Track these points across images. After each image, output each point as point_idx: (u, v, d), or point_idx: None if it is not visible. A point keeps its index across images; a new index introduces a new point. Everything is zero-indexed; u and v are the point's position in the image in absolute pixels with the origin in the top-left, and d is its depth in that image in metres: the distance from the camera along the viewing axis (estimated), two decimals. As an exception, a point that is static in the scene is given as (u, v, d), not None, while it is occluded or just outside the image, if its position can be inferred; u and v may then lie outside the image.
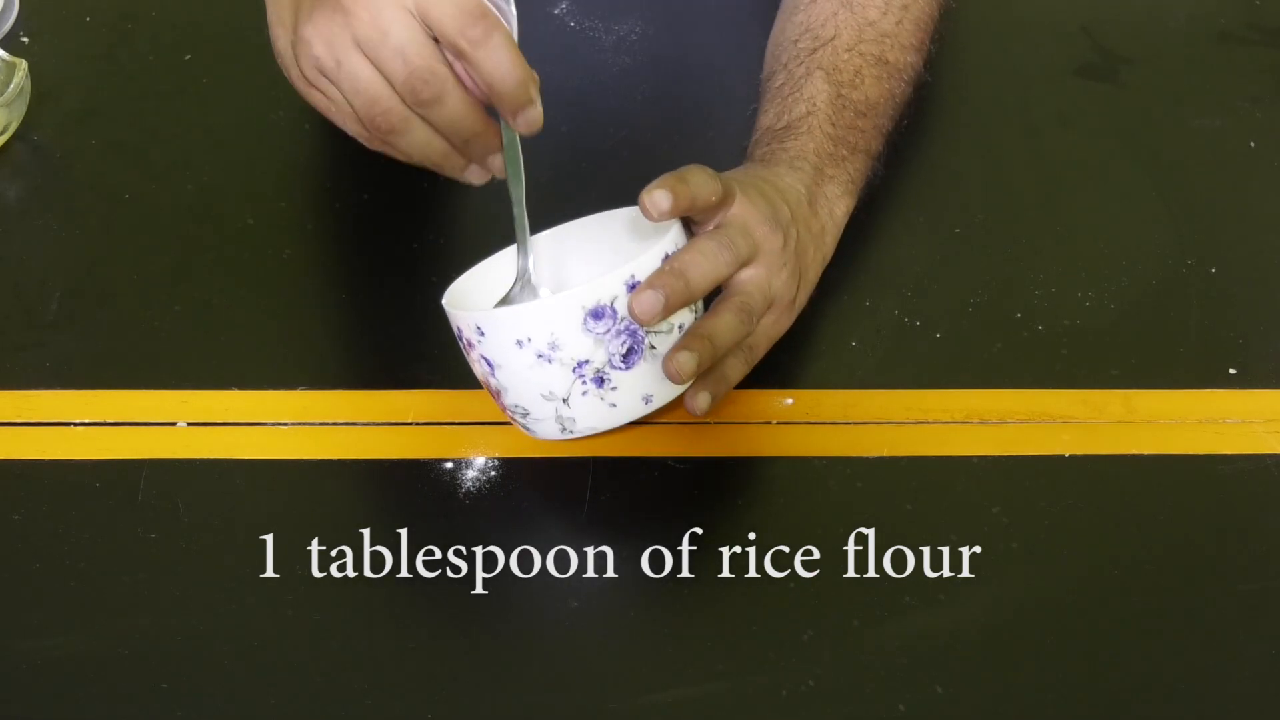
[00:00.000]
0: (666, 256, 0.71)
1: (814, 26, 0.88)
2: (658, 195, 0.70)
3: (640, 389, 0.72)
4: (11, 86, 0.91)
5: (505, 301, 0.75)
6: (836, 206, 0.82)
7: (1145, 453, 0.80)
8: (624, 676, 0.71)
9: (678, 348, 0.70)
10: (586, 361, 0.70)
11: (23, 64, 0.91)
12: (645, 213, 0.70)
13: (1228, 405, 0.82)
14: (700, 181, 0.72)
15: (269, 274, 0.87)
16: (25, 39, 0.99)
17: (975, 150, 0.93)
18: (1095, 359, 0.83)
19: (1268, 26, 1.02)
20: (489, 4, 0.66)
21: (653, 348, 0.71)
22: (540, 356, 0.70)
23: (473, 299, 0.76)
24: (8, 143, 0.93)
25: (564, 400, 0.71)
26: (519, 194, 0.72)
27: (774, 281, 0.75)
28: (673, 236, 0.72)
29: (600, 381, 0.71)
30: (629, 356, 0.71)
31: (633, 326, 0.70)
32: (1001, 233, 0.89)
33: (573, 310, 0.69)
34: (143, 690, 0.71)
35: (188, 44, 0.99)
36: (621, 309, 0.70)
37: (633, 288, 0.69)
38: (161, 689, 0.71)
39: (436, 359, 0.82)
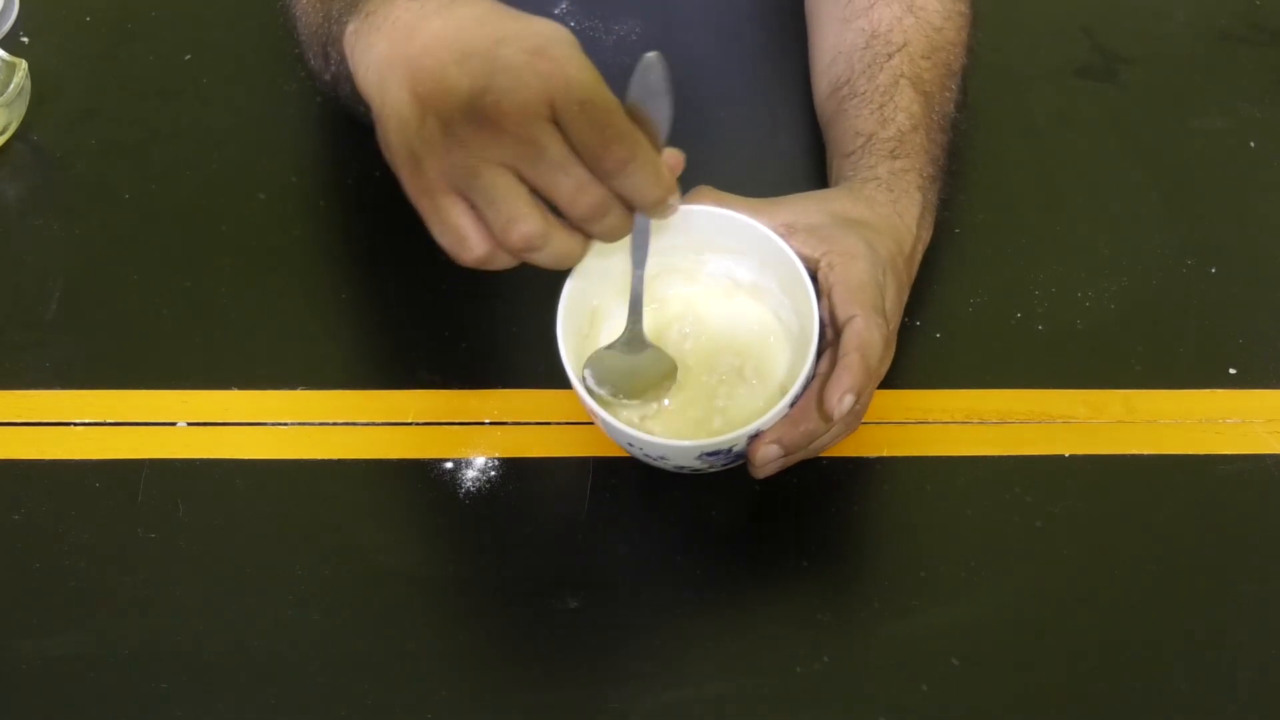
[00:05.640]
0: (795, 398, 0.70)
1: (881, 32, 0.86)
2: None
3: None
4: (11, 86, 0.91)
5: (612, 348, 0.73)
6: (927, 238, 0.81)
7: (1145, 453, 0.80)
8: (624, 676, 0.71)
9: (764, 457, 0.70)
10: (684, 467, 0.72)
11: (23, 64, 0.91)
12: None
13: (1227, 405, 0.82)
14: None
15: (269, 274, 0.87)
16: (25, 39, 0.99)
17: (975, 150, 0.93)
18: (1095, 359, 0.83)
19: (1268, 26, 1.02)
20: (638, 98, 0.63)
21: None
22: (645, 455, 0.72)
23: (592, 282, 0.74)
24: (8, 143, 0.93)
25: (643, 456, 0.73)
26: (640, 260, 0.70)
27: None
28: (802, 380, 0.69)
29: (680, 468, 0.73)
30: (717, 464, 0.73)
31: (737, 453, 0.71)
32: (1001, 233, 0.89)
33: (691, 452, 0.70)
34: (143, 690, 0.71)
35: (188, 44, 0.99)
36: (737, 448, 0.70)
37: (754, 436, 0.70)
38: (161, 689, 0.71)
39: (436, 359, 0.82)
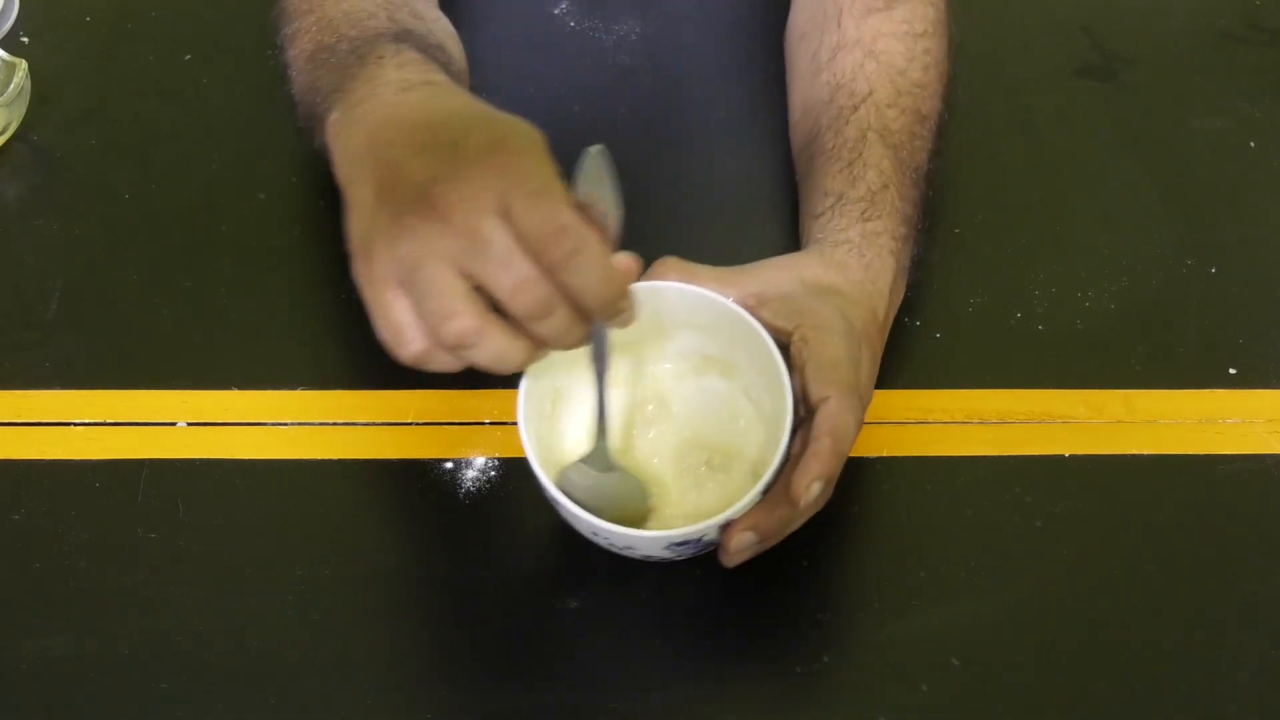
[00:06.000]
0: (768, 486, 0.68)
1: (845, 82, 0.84)
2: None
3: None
4: (11, 86, 0.91)
5: (585, 462, 0.70)
6: (898, 302, 0.79)
7: (1145, 453, 0.80)
8: (624, 676, 0.71)
9: (739, 545, 0.68)
10: (651, 557, 0.70)
11: (23, 64, 0.91)
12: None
13: (1227, 405, 0.82)
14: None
15: (269, 274, 0.87)
16: (25, 39, 0.99)
17: (975, 150, 0.93)
18: (1095, 359, 0.83)
19: (1268, 26, 1.02)
20: (585, 198, 0.60)
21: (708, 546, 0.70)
22: (610, 545, 0.69)
23: (552, 365, 0.69)
24: (8, 143, 0.93)
25: (608, 545, 0.70)
26: (601, 373, 0.68)
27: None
28: (774, 469, 0.68)
29: (647, 558, 0.71)
30: (686, 553, 0.70)
31: (707, 542, 0.69)
32: (1001, 233, 0.89)
33: (658, 542, 0.68)
34: (143, 690, 0.71)
35: (188, 44, 0.99)
36: (707, 538, 0.68)
37: (724, 526, 0.68)
38: (161, 689, 0.71)
39: (436, 359, 0.82)
